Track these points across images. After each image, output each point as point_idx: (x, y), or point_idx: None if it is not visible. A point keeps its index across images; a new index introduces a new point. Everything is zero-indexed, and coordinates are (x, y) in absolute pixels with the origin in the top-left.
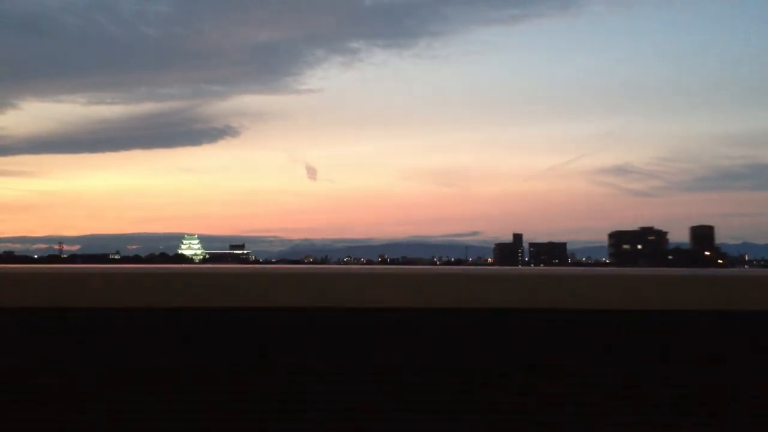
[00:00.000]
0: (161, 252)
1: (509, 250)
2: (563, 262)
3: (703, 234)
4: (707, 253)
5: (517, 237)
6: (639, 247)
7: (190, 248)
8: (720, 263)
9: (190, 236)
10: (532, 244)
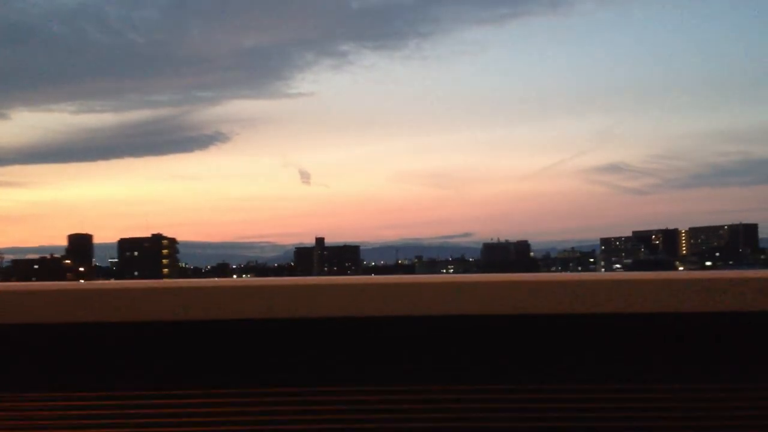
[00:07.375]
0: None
1: (308, 254)
2: (356, 265)
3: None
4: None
5: (319, 240)
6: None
7: None
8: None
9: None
10: (326, 248)
